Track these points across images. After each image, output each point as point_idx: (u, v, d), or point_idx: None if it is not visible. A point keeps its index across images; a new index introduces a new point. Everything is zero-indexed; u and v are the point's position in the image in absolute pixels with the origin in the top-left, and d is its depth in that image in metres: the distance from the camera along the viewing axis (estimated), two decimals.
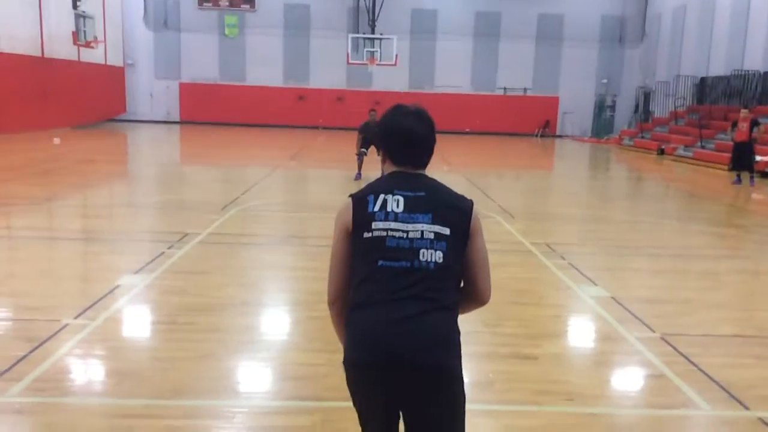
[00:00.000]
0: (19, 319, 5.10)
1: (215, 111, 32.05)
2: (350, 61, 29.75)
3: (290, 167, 16.54)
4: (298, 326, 5.17)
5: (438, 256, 2.09)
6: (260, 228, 9.00)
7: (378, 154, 2.31)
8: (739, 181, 15.56)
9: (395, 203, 2.12)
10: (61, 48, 24.68)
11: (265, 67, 32.53)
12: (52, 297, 5.58)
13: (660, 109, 29.09)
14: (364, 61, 29.04)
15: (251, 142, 24.01)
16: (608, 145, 29.56)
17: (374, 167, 2.55)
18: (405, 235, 2.09)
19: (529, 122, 33.12)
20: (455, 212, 2.17)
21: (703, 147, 21.98)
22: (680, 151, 22.85)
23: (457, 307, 2.19)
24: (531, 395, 3.99)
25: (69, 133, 24.01)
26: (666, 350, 4.76)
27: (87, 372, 4.21)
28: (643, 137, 27.20)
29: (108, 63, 29.62)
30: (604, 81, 33.68)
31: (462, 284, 2.25)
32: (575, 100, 33.38)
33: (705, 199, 13.97)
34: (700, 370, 4.41)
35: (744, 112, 15.88)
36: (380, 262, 2.07)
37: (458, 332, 2.15)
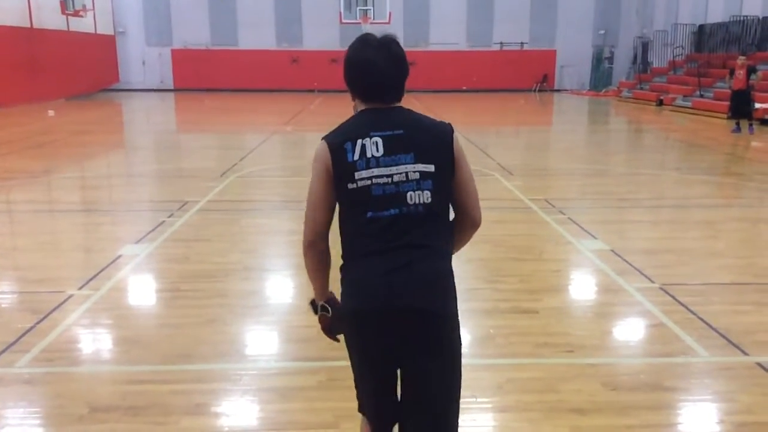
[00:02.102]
0: (24, 291, 5.15)
1: (209, 77, 31.69)
2: (343, 21, 29.28)
3: (287, 132, 16.45)
4: (299, 289, 5.21)
5: (426, 196, 2.04)
6: (259, 194, 9.00)
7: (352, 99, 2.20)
8: (738, 129, 15.47)
9: (374, 147, 2.03)
10: (50, 18, 24.28)
11: (257, 29, 32.05)
12: (56, 269, 5.62)
13: (658, 59, 28.75)
14: (357, 20, 28.55)
15: (247, 108, 23.83)
16: (607, 97, 29.31)
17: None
18: (390, 179, 2.03)
19: (527, 77, 32.75)
20: (437, 145, 2.09)
21: (701, 96, 21.80)
22: (679, 101, 22.67)
23: (450, 247, 2.17)
24: (532, 348, 4.05)
25: (63, 104, 23.81)
26: (665, 300, 4.82)
27: (94, 341, 4.27)
28: (641, 88, 26.95)
29: (98, 32, 29.18)
30: (602, 32, 33.20)
31: (454, 213, 2.21)
32: (573, 53, 32.95)
33: (704, 149, 13.92)
34: (699, 318, 4.46)
35: (741, 59, 15.72)
36: (369, 214, 2.03)
37: (452, 275, 2.13)
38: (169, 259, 5.90)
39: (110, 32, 31.00)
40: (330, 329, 2.29)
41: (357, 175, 2.03)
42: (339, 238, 2.18)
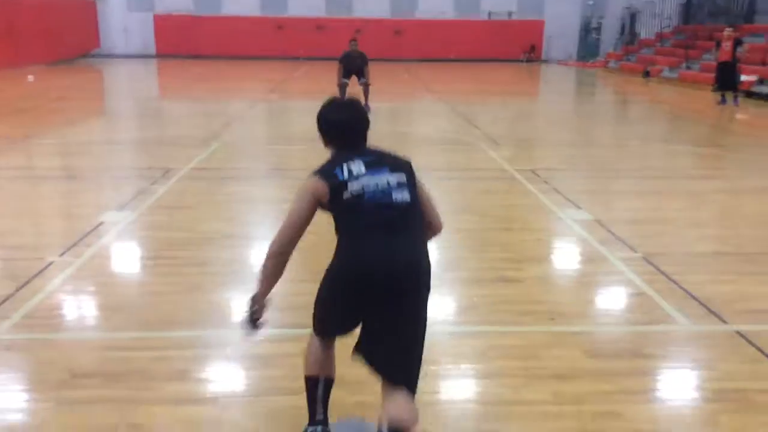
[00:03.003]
0: (4, 258, 5.08)
1: (192, 44, 31.11)
2: None
3: (271, 100, 16.25)
4: None
5: (405, 196, 2.44)
6: (242, 161, 8.91)
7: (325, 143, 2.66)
8: (723, 101, 15.50)
9: (357, 167, 2.43)
10: None
11: None
12: (36, 235, 5.56)
13: (646, 30, 28.66)
14: None
15: (230, 75, 23.49)
16: (594, 68, 29.21)
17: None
18: (376, 185, 2.42)
19: (515, 47, 32.47)
20: (401, 163, 2.55)
21: (688, 68, 21.80)
22: (666, 73, 22.66)
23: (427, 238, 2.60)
24: (514, 316, 4.07)
25: (43, 70, 23.30)
26: (647, 269, 4.85)
27: (75, 308, 4.23)
28: (628, 60, 26.88)
29: None
30: (590, 2, 32.94)
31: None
32: (561, 24, 32.67)
33: (689, 121, 13.96)
34: (681, 287, 4.51)
35: (728, 32, 15.69)
36: (367, 197, 2.38)
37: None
38: (151, 226, 5.85)
39: None
40: (256, 321, 2.64)
41: (350, 186, 2.39)
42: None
